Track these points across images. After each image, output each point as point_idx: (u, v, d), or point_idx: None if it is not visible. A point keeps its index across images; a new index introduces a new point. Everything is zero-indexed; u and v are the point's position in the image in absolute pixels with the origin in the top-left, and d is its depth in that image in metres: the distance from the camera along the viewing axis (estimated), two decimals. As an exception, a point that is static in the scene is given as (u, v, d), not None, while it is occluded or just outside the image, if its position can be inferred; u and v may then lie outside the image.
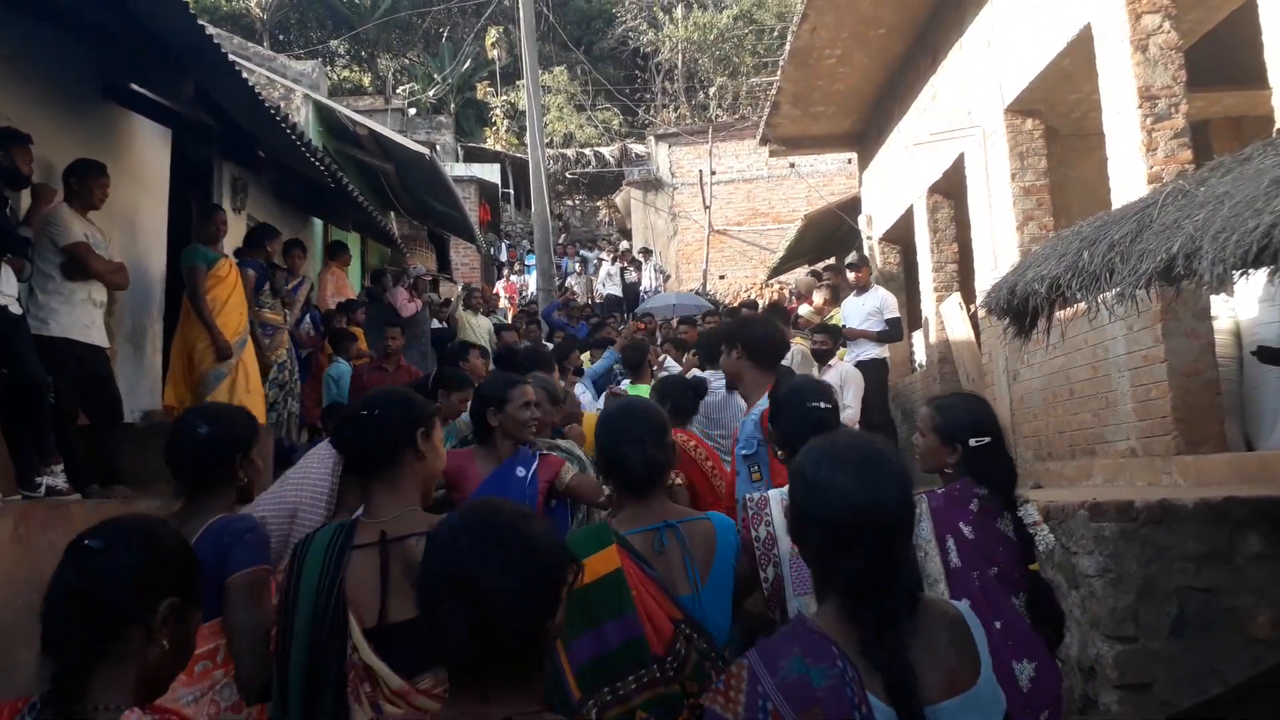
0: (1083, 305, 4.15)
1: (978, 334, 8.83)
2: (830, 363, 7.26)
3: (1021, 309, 4.06)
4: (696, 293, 18.59)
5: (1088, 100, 6.93)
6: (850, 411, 6.79)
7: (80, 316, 5.13)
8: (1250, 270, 2.92)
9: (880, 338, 8.60)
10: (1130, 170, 5.86)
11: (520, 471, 3.61)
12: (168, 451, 2.52)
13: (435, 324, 11.81)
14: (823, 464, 1.59)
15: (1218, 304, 5.87)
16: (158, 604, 1.55)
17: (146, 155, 6.87)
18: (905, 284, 11.55)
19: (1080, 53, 6.50)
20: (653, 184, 23.76)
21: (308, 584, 2.15)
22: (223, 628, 2.33)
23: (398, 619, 2.13)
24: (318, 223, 11.34)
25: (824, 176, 20.73)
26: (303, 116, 11.57)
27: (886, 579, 1.50)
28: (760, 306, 13.91)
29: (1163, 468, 5.55)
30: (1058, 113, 7.67)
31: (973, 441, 2.77)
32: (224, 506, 2.52)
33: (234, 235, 7.51)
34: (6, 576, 3.43)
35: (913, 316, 11.08)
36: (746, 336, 3.72)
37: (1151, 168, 5.72)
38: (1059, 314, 4.10)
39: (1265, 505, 3.97)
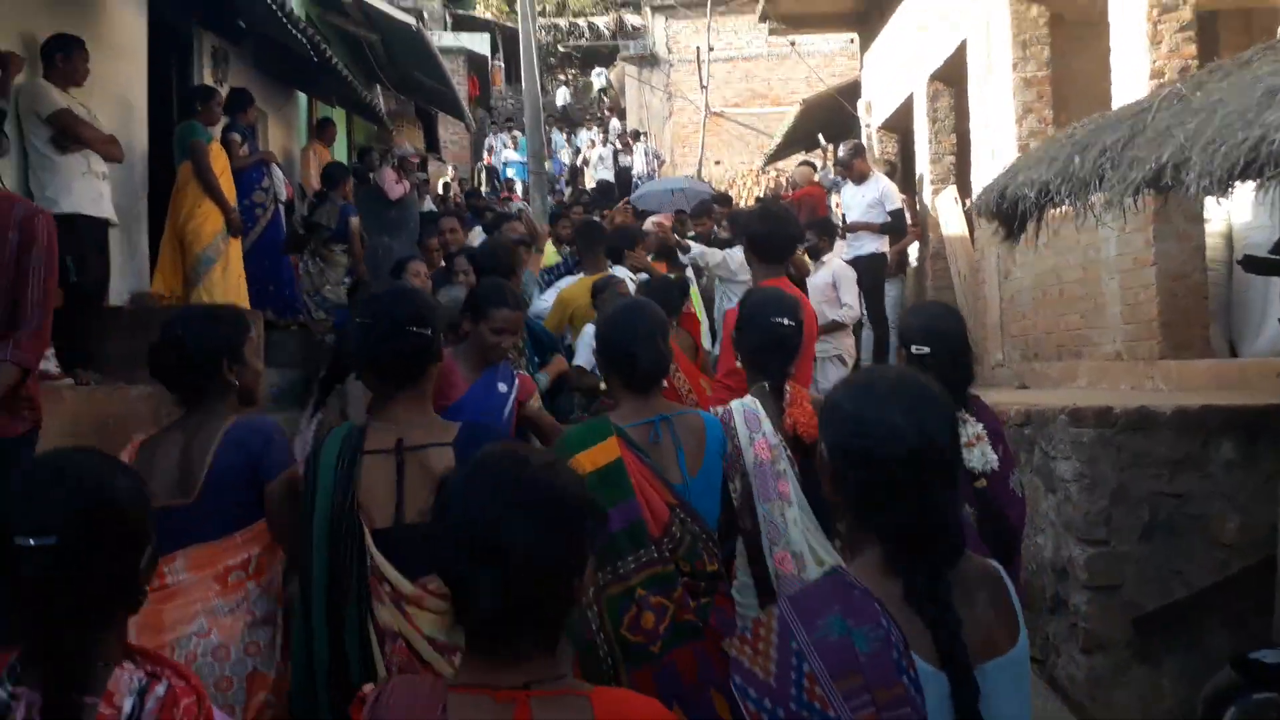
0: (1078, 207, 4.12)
1: (972, 230, 8.77)
2: (823, 259, 7.19)
3: (1011, 212, 4.04)
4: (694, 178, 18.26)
5: (1097, -13, 6.70)
6: (850, 310, 6.78)
7: (88, 189, 5.12)
8: (1236, 182, 2.89)
9: (883, 229, 8.47)
10: (1133, 64, 5.73)
11: (502, 387, 3.56)
12: (151, 361, 2.47)
13: (429, 206, 11.65)
14: (867, 402, 1.45)
15: (1211, 206, 5.83)
16: (138, 563, 1.42)
17: (122, 24, 6.60)
18: (902, 174, 11.39)
19: (1093, -62, 6.26)
20: (648, 60, 23.09)
21: (323, 490, 2.20)
22: (270, 529, 2.37)
23: (413, 520, 2.21)
24: (302, 97, 11.01)
25: (825, 57, 20.13)
26: (285, -18, 11.10)
27: (936, 525, 1.39)
28: (734, 201, 13.78)
29: (1146, 372, 5.62)
30: (1065, -1, 7.42)
31: (913, 349, 2.78)
32: (226, 410, 2.48)
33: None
34: (1, 463, 3.48)
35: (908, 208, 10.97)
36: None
37: (1155, 62, 5.59)
38: (1053, 213, 4.08)
39: (1240, 414, 4.06)
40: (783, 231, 4.12)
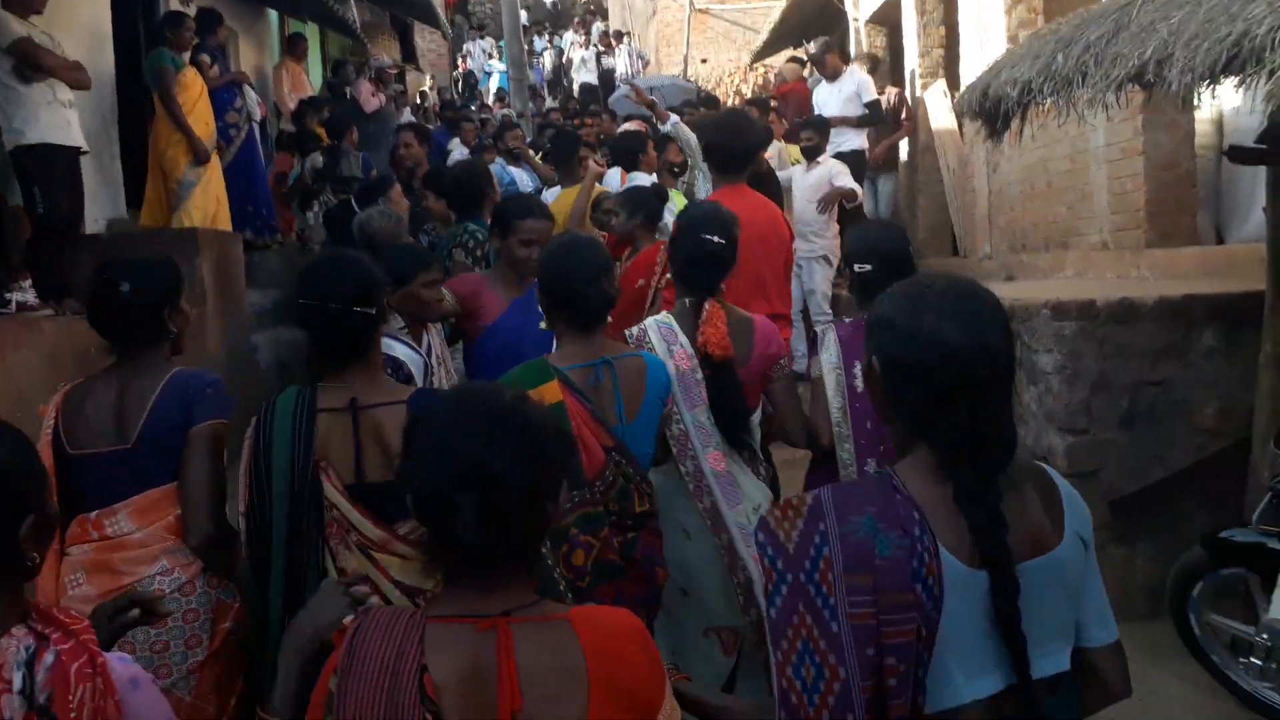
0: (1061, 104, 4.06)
1: (961, 124, 8.63)
2: (818, 159, 7.11)
3: (994, 111, 3.98)
4: (680, 77, 17.86)
5: None
6: (854, 185, 6.87)
7: (55, 118, 5.02)
8: (1220, 79, 2.84)
9: (861, 123, 8.37)
10: (1126, -53, 5.56)
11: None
12: (91, 312, 2.44)
13: (407, 118, 11.43)
14: (920, 312, 1.40)
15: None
16: (18, 530, 1.37)
17: (81, -54, 6.39)
18: (891, 69, 11.16)
19: None
20: (630, -43, 22.37)
21: (280, 447, 2.20)
22: (181, 473, 2.34)
23: (373, 479, 2.22)
24: (272, 14, 10.72)
25: (811, -52, 19.50)
26: (247, -109, 10.69)
27: (990, 432, 1.37)
28: (721, 101, 13.45)
29: (1133, 261, 5.61)
30: (1056, -121, 7.15)
31: (856, 267, 2.81)
32: (162, 358, 2.47)
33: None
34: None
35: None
36: None
37: (1148, -58, 5.42)
38: (1039, 108, 4.02)
39: (1222, 301, 4.06)
40: (739, 142, 4.03)
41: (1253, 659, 3.37)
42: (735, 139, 3.97)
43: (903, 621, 1.28)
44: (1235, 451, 3.93)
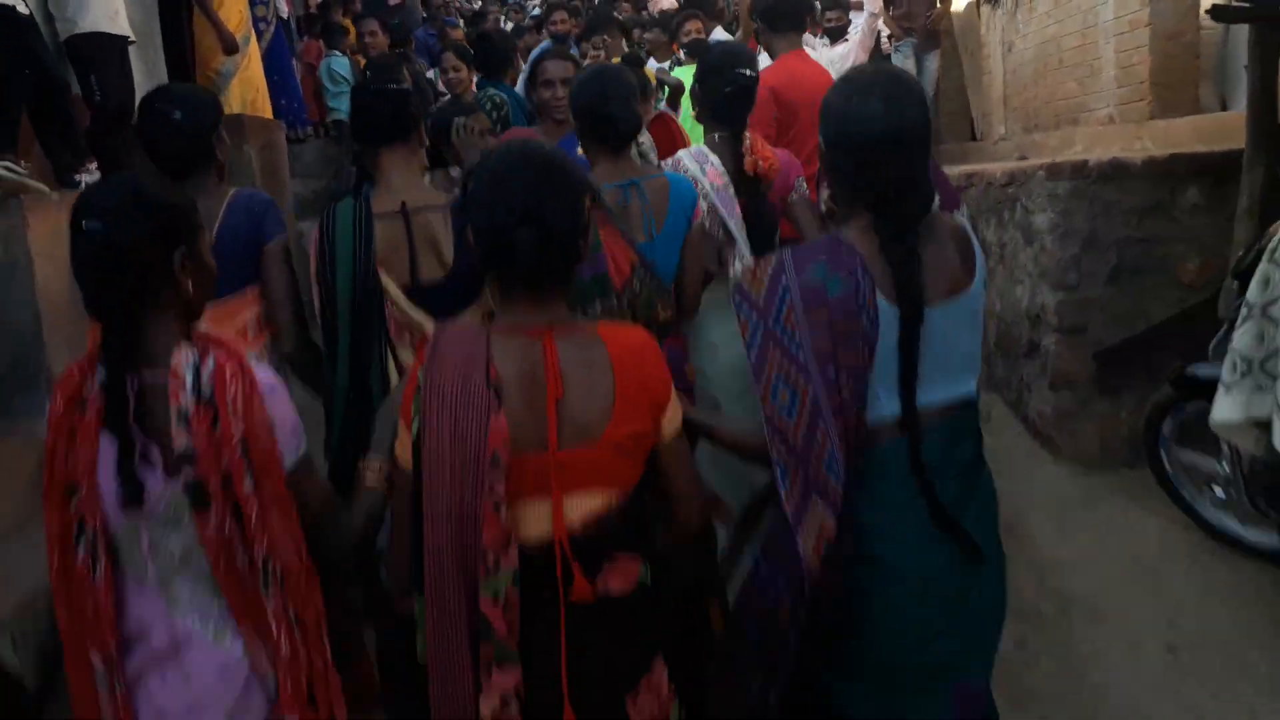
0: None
1: (979, 3, 8.64)
2: (846, 36, 7.23)
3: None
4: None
5: None
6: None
7: (105, 7, 5.22)
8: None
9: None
10: None
11: (581, 150, 3.81)
12: (147, 139, 2.58)
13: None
14: (852, 95, 1.72)
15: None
16: (170, 257, 1.67)
17: None
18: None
19: None
20: None
21: (343, 251, 2.48)
22: (261, 289, 2.60)
23: (427, 279, 2.51)
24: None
25: None
26: None
27: (908, 190, 1.70)
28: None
29: (1136, 134, 5.76)
30: None
31: None
32: (216, 183, 2.65)
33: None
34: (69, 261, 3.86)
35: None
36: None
37: None
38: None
39: (1207, 160, 4.25)
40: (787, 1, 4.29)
41: (1215, 490, 3.61)
42: None
43: (852, 346, 1.65)
44: (1213, 301, 4.15)
